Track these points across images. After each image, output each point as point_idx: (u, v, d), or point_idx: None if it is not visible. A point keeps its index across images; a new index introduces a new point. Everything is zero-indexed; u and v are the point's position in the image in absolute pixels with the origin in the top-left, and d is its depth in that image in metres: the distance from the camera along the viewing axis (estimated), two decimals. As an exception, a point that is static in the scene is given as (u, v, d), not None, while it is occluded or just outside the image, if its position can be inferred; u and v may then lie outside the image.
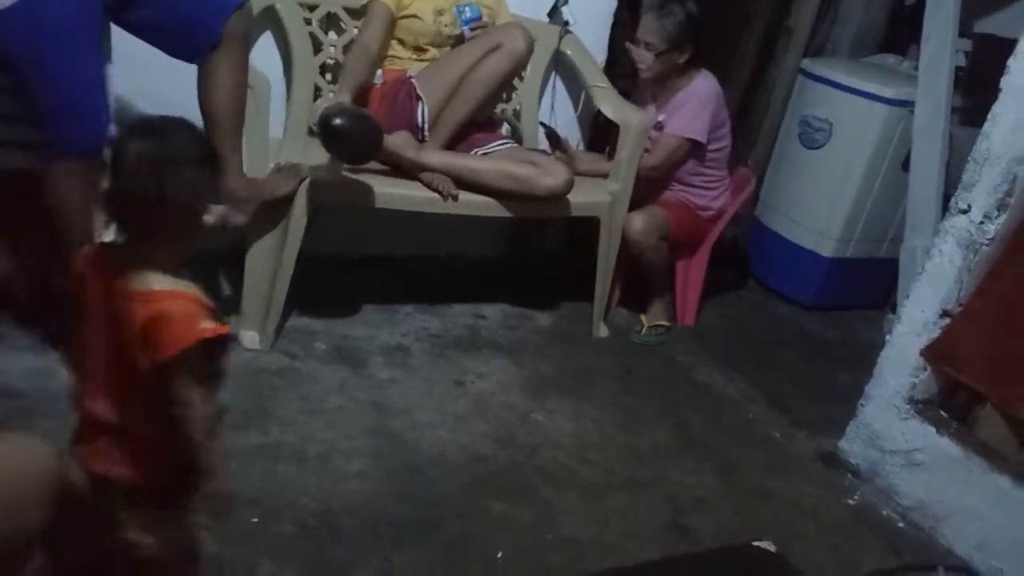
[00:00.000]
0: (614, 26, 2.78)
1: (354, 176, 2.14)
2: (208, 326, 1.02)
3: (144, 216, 1.03)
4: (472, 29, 2.29)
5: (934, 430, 2.00)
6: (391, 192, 2.17)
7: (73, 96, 1.70)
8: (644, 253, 2.51)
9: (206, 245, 1.09)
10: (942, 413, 2.04)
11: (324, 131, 1.92)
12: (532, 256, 2.96)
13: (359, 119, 1.97)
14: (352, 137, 1.95)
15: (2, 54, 1.65)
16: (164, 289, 1.02)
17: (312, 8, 2.37)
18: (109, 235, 1.09)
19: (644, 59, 2.47)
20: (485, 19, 2.34)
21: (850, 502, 2.05)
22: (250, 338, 2.15)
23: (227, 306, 2.24)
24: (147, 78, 2.16)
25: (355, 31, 2.41)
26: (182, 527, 1.13)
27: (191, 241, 1.07)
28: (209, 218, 1.07)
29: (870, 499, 2.07)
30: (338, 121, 1.91)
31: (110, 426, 1.08)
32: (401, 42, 2.34)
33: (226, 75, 1.86)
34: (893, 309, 2.57)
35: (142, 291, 1.02)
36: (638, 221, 2.47)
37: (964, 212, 1.95)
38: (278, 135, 2.33)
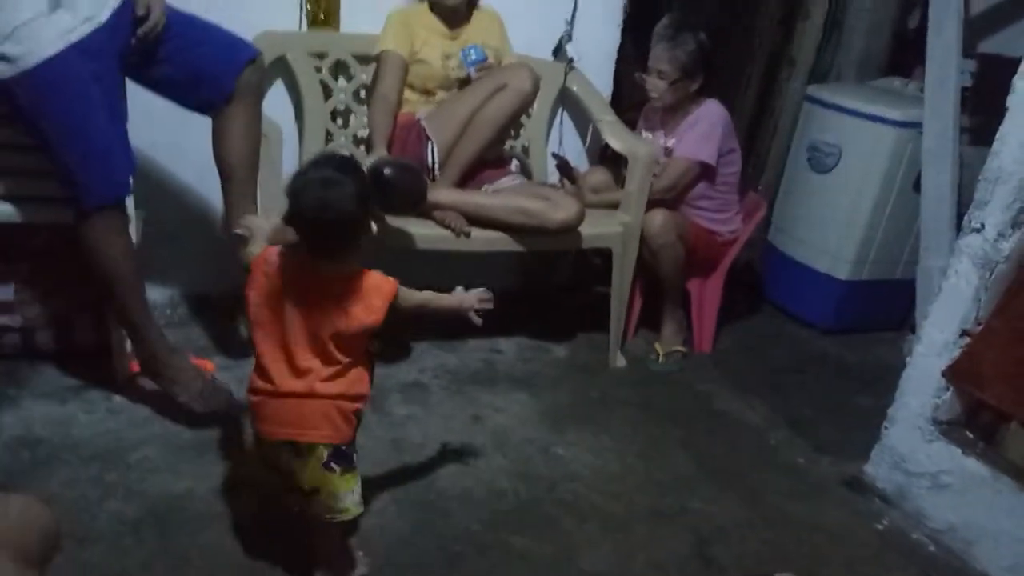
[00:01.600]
0: (619, 59, 2.82)
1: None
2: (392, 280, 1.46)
3: (328, 235, 1.39)
4: (478, 71, 2.34)
5: (960, 451, 1.97)
6: (404, 231, 2.19)
7: (98, 151, 1.74)
8: (662, 251, 2.49)
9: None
10: (967, 433, 2.01)
11: (375, 184, 1.95)
12: (546, 288, 2.97)
13: (406, 169, 2.04)
14: (402, 187, 2.01)
15: (28, 113, 1.70)
16: (357, 271, 1.43)
17: (322, 56, 2.43)
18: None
19: (657, 88, 2.50)
20: (490, 60, 2.38)
21: (878, 527, 2.02)
22: (268, 380, 2.17)
23: (245, 347, 2.26)
24: (159, 129, 2.22)
25: (364, 77, 2.46)
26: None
27: (360, 240, 1.43)
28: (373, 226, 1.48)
29: (899, 523, 2.03)
30: (388, 172, 1.98)
31: (315, 389, 1.42)
32: (410, 86, 2.38)
33: (240, 127, 1.91)
34: (913, 330, 2.55)
35: (343, 275, 1.42)
36: (658, 216, 2.47)
37: (978, 231, 1.94)
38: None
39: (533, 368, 2.51)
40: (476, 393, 2.32)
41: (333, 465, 1.44)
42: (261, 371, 1.45)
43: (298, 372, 1.42)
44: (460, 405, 2.25)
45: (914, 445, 2.05)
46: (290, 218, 1.39)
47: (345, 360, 1.43)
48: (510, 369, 2.48)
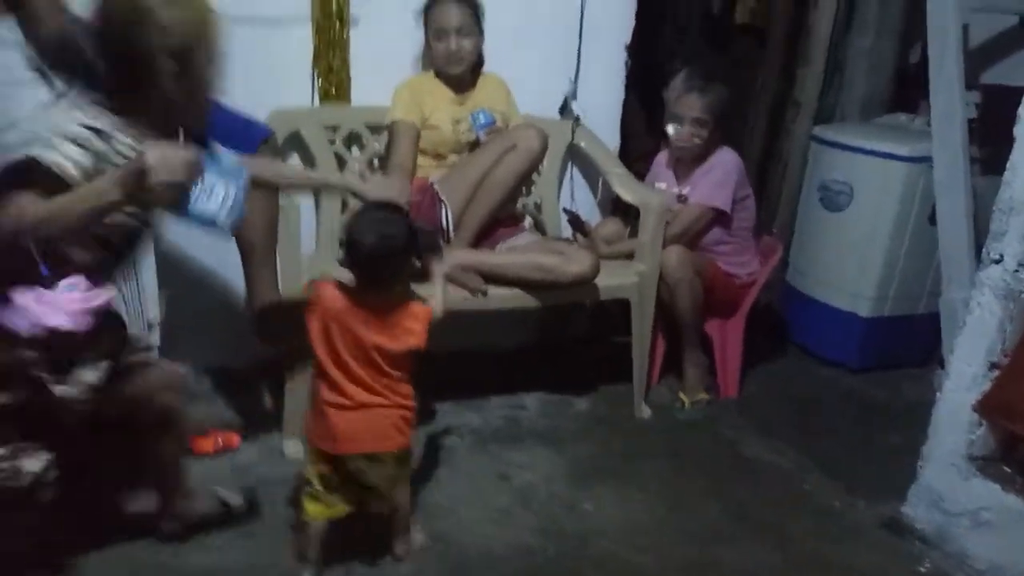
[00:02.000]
0: (624, 112, 2.87)
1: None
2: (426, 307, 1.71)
3: (383, 267, 1.64)
4: (487, 133, 2.39)
5: (999, 487, 1.92)
6: (422, 294, 2.21)
7: None
8: (679, 286, 2.49)
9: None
10: (1005, 468, 1.97)
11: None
12: (564, 341, 2.97)
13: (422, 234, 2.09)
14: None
15: None
16: (404, 302, 1.69)
17: (335, 129, 2.49)
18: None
19: (692, 138, 2.54)
20: (499, 123, 2.43)
21: (921, 570, 1.96)
22: (293, 447, 2.17)
23: (269, 418, 2.28)
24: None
25: (376, 145, 2.52)
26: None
27: (406, 273, 1.69)
28: (416, 262, 1.71)
29: (941, 565, 1.97)
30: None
31: (380, 399, 1.68)
32: (422, 151, 2.44)
33: (257, 205, 1.94)
34: (941, 364, 2.51)
35: (391, 303, 1.68)
36: (674, 253, 2.48)
37: (997, 262, 1.93)
38: (309, 250, 2.41)
39: (557, 423, 2.50)
40: (501, 451, 2.31)
41: (402, 466, 1.76)
42: (331, 386, 1.68)
43: (366, 387, 1.67)
44: (485, 464, 2.24)
45: (951, 483, 2.00)
46: (347, 255, 1.64)
47: (396, 375, 1.69)
48: (534, 425, 2.47)
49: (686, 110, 2.54)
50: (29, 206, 1.31)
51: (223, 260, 2.41)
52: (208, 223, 1.39)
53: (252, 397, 2.43)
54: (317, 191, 2.48)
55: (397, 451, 1.72)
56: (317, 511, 1.71)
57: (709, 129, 2.53)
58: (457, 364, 2.76)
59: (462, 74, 2.44)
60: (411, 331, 1.68)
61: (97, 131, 1.39)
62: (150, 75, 1.39)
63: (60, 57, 1.50)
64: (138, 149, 1.27)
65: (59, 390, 1.45)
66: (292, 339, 2.08)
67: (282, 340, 2.03)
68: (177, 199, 1.30)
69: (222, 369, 2.56)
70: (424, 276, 1.83)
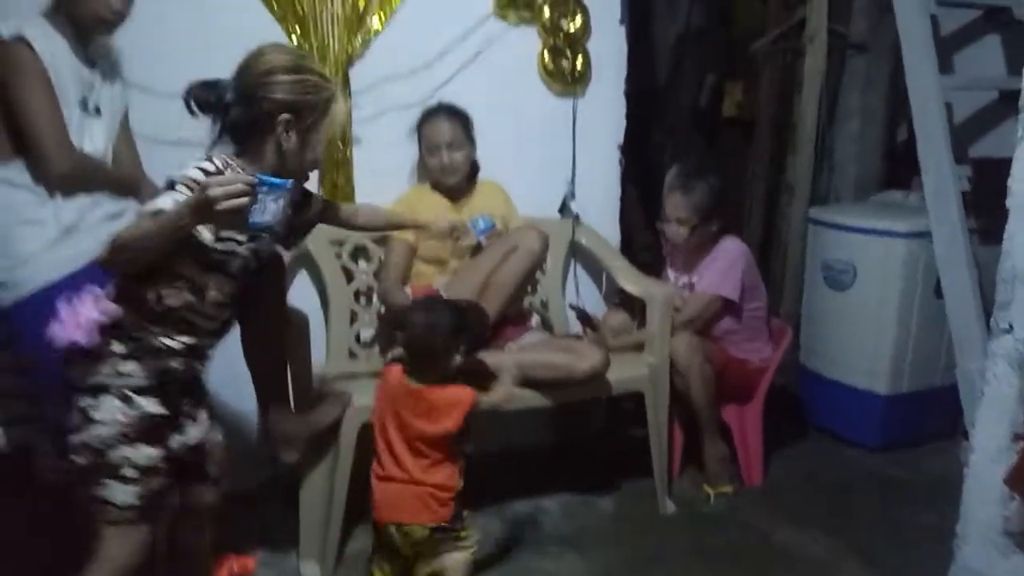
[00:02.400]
0: (623, 204, 2.93)
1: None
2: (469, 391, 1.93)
3: (429, 355, 1.89)
4: (488, 239, 2.43)
5: (1042, 563, 1.85)
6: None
7: None
8: (690, 372, 2.47)
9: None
10: (1046, 543, 1.90)
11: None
12: (581, 439, 2.93)
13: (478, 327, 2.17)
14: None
15: (16, 338, 1.78)
16: (447, 386, 1.91)
17: (341, 243, 2.55)
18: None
19: (680, 235, 2.60)
20: (499, 227, 2.48)
21: (971, 658, 1.87)
22: (311, 569, 2.12)
23: (285, 541, 2.23)
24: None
25: (382, 256, 2.57)
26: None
27: (452, 363, 1.93)
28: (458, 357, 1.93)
29: (992, 650, 1.88)
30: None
31: (414, 478, 1.88)
32: (424, 260, 2.49)
33: (266, 328, 1.95)
34: (965, 436, 2.46)
35: (431, 388, 1.90)
36: (683, 340, 2.47)
37: (1007, 331, 1.91)
38: (320, 360, 2.42)
39: (580, 524, 2.43)
40: (525, 559, 2.24)
41: (436, 543, 1.91)
42: (378, 458, 1.91)
43: (400, 465, 1.87)
44: (510, 574, 2.17)
45: (991, 561, 1.92)
46: (401, 339, 1.95)
47: (436, 456, 1.87)
48: (557, 529, 2.41)
49: (671, 210, 2.60)
50: (123, 231, 1.47)
51: (235, 386, 2.41)
52: (266, 230, 1.54)
53: (265, 519, 2.39)
54: (326, 303, 2.51)
55: (426, 525, 1.88)
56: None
57: (692, 225, 2.58)
58: (474, 468, 2.72)
59: (458, 184, 2.51)
60: (449, 415, 1.87)
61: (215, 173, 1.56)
62: (271, 126, 1.62)
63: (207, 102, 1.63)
64: (208, 182, 1.43)
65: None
66: (303, 451, 2.08)
67: (292, 453, 2.01)
68: (241, 220, 1.45)
69: (238, 493, 2.52)
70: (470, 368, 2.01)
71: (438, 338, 1.88)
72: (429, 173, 2.54)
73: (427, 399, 1.89)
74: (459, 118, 2.49)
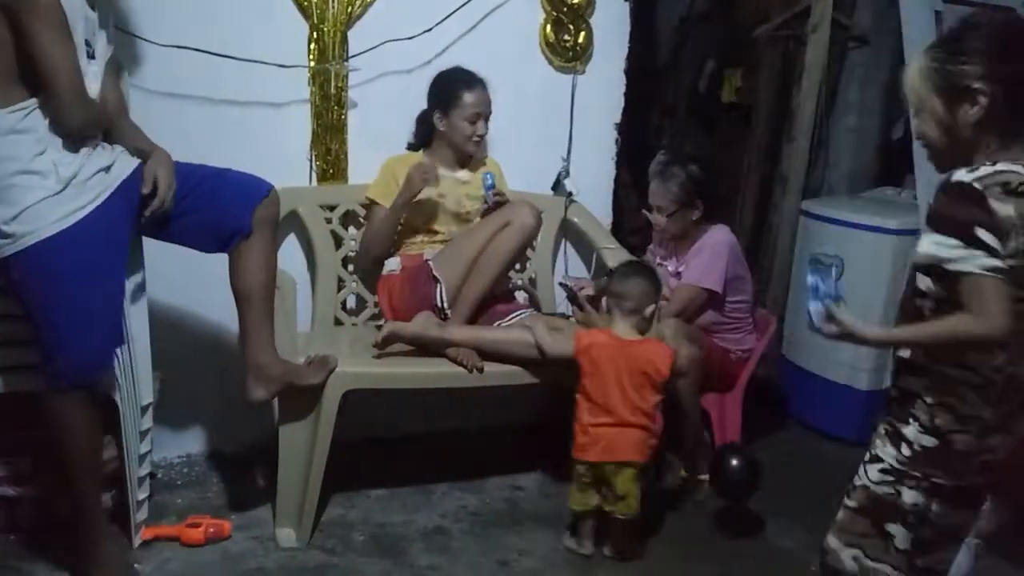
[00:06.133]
0: (616, 187, 2.90)
1: (381, 360, 2.17)
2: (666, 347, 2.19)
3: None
4: (495, 195, 2.40)
5: (1010, 567, 1.87)
6: (418, 372, 2.19)
7: (79, 335, 1.74)
8: (677, 356, 2.46)
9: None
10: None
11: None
12: (563, 420, 2.91)
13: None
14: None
15: (20, 288, 1.73)
16: (645, 338, 2.18)
17: (332, 208, 2.51)
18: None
19: (659, 222, 2.59)
20: (497, 185, 2.46)
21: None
22: (286, 536, 2.11)
23: (262, 506, 2.21)
24: (174, 290, 2.27)
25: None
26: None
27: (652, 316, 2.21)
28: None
29: (959, 649, 1.90)
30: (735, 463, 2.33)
31: (629, 423, 2.10)
32: (414, 228, 2.45)
33: (257, 257, 1.94)
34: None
35: (640, 342, 2.15)
36: (670, 324, 2.46)
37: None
38: (305, 329, 2.40)
39: (557, 504, 2.43)
40: (500, 536, 2.24)
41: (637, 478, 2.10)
42: (600, 411, 2.11)
43: (631, 409, 2.09)
44: (485, 550, 2.17)
45: (963, 559, 1.95)
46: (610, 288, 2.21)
47: (645, 406, 2.10)
48: (534, 507, 2.41)
49: (651, 196, 2.59)
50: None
51: (218, 345, 2.39)
52: None
53: (245, 483, 2.37)
54: (314, 267, 2.48)
55: (634, 463, 2.09)
56: (574, 501, 2.17)
57: (670, 213, 2.56)
58: (455, 444, 2.72)
59: (473, 154, 2.49)
60: (656, 368, 2.12)
61: None
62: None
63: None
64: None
65: None
66: (283, 417, 2.05)
67: (261, 390, 1.99)
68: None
69: (214, 454, 2.51)
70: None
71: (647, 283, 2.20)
72: (451, 137, 2.44)
73: (636, 354, 2.13)
74: (488, 89, 2.46)
